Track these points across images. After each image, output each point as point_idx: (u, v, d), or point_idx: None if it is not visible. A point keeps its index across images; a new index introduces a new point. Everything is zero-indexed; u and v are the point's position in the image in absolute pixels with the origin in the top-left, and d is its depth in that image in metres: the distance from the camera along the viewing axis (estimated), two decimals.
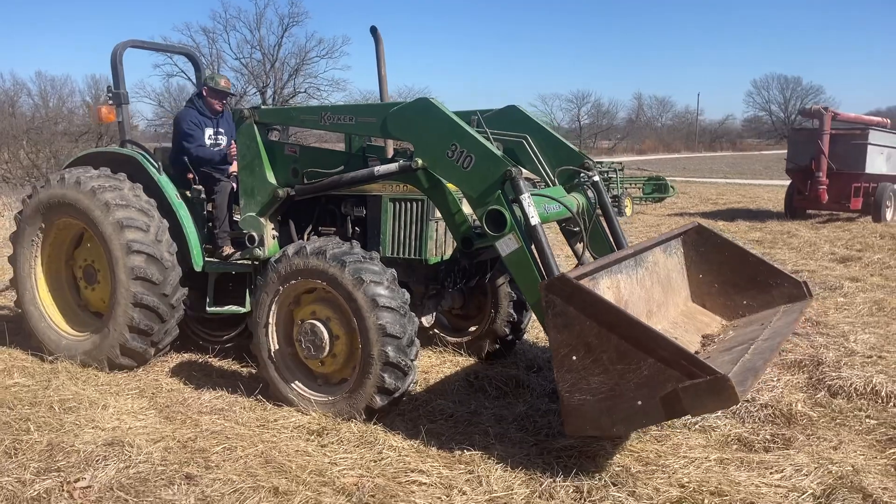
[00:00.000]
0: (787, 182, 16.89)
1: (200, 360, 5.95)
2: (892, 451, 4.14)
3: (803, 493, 3.60)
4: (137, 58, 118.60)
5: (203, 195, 5.85)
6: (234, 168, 6.12)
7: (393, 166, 4.76)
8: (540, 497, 3.60)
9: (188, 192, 5.85)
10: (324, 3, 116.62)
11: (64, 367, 5.57)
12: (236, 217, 5.88)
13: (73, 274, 6.13)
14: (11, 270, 6.13)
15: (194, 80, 7.33)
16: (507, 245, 4.23)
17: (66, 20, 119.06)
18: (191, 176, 5.88)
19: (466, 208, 4.74)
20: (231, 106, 6.30)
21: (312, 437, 4.34)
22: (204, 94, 6.09)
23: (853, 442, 4.29)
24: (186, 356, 6.04)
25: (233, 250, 5.78)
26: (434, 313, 5.50)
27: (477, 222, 4.51)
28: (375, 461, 4.00)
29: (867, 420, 4.62)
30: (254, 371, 5.52)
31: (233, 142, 6.03)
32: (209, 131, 6.11)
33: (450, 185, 4.69)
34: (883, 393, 4.93)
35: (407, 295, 4.55)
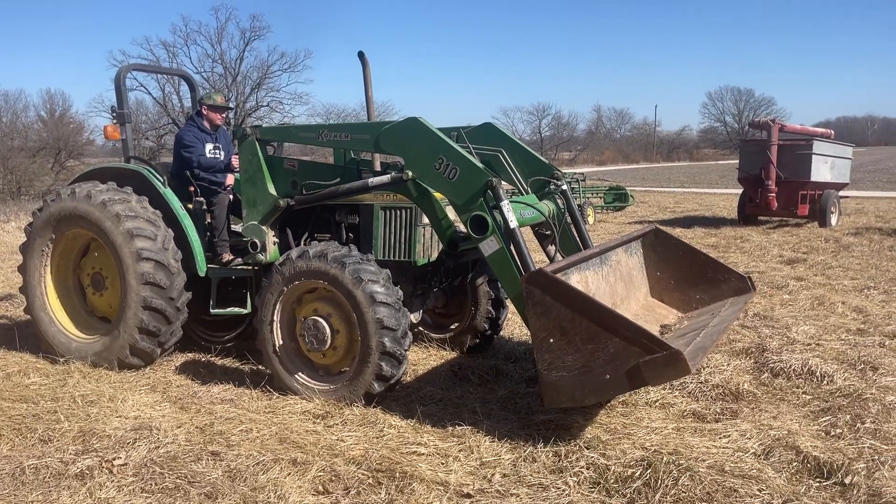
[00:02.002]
0: (740, 190, 17.78)
1: (204, 359, 6.41)
2: (823, 419, 4.80)
3: (746, 452, 4.23)
4: (96, 71, 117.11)
5: (204, 206, 6.33)
6: (230, 181, 6.64)
7: (385, 178, 5.33)
8: (524, 461, 4.18)
9: (190, 204, 6.33)
10: (285, 17, 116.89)
11: (76, 368, 5.98)
12: (234, 227, 6.40)
13: (80, 281, 6.55)
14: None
15: (189, 100, 7.80)
16: (489, 246, 4.82)
17: (19, 34, 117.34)
18: (192, 189, 6.37)
19: (451, 214, 5.32)
20: (229, 119, 6.84)
21: (318, 419, 4.86)
22: (203, 111, 6.59)
23: (791, 413, 4.95)
24: (190, 356, 6.50)
25: (232, 257, 6.28)
26: (421, 311, 6.05)
27: (462, 227, 5.10)
28: (378, 437, 4.54)
29: (803, 395, 5.29)
30: (255, 367, 6.01)
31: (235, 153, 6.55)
32: (209, 146, 6.60)
33: (437, 194, 5.27)
34: (818, 373, 5.60)
35: (401, 292, 5.11)
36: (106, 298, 6.37)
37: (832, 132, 18.37)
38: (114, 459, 4.20)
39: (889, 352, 6.32)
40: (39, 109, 46.65)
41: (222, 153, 6.69)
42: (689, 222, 17.97)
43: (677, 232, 15.68)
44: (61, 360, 6.16)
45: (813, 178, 15.86)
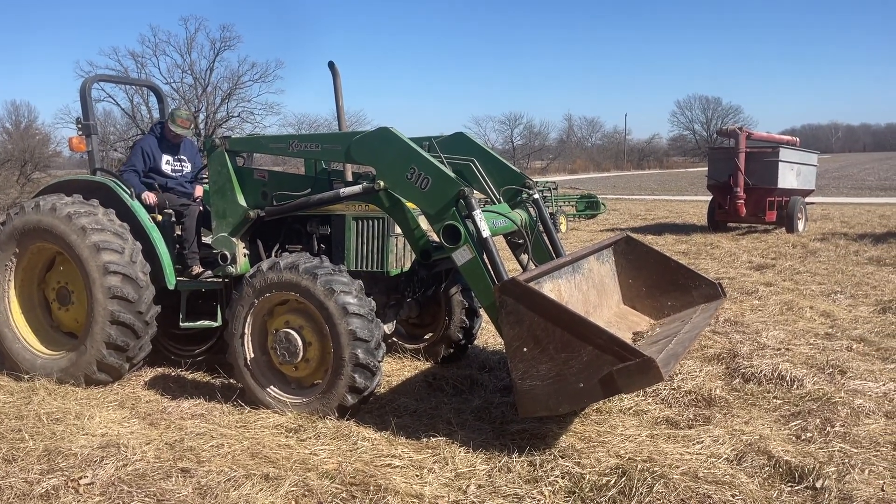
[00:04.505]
0: (710, 197, 18.01)
1: (174, 374, 6.30)
2: (793, 423, 4.84)
3: (719, 458, 4.25)
4: (63, 81, 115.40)
5: (173, 218, 6.24)
6: (199, 192, 6.56)
7: (357, 188, 5.29)
8: (499, 471, 4.16)
9: (159, 216, 6.23)
10: (256, 27, 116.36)
11: (41, 385, 5.83)
12: (204, 239, 6.32)
13: (45, 296, 6.41)
14: None
15: (158, 111, 7.71)
16: (462, 256, 4.81)
17: None
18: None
19: (424, 224, 5.30)
20: (198, 130, 6.79)
21: (291, 433, 4.79)
22: (166, 124, 6.53)
23: (762, 418, 4.99)
24: (159, 370, 6.38)
25: (202, 269, 6.19)
26: (394, 321, 6.01)
27: (434, 236, 5.08)
28: (352, 450, 4.49)
29: (774, 400, 5.34)
30: (226, 380, 5.92)
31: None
32: (167, 157, 6.53)
33: (409, 204, 5.25)
34: (788, 378, 5.67)
35: (373, 303, 5.07)
36: (72, 313, 6.24)
37: (798, 140, 18.68)
38: (80, 478, 4.10)
39: (856, 355, 6.42)
40: (4, 121, 45.87)
41: (188, 164, 6.62)
42: (659, 229, 18.14)
43: (648, 239, 15.79)
44: (26, 376, 6.01)
45: (780, 185, 16.12)
